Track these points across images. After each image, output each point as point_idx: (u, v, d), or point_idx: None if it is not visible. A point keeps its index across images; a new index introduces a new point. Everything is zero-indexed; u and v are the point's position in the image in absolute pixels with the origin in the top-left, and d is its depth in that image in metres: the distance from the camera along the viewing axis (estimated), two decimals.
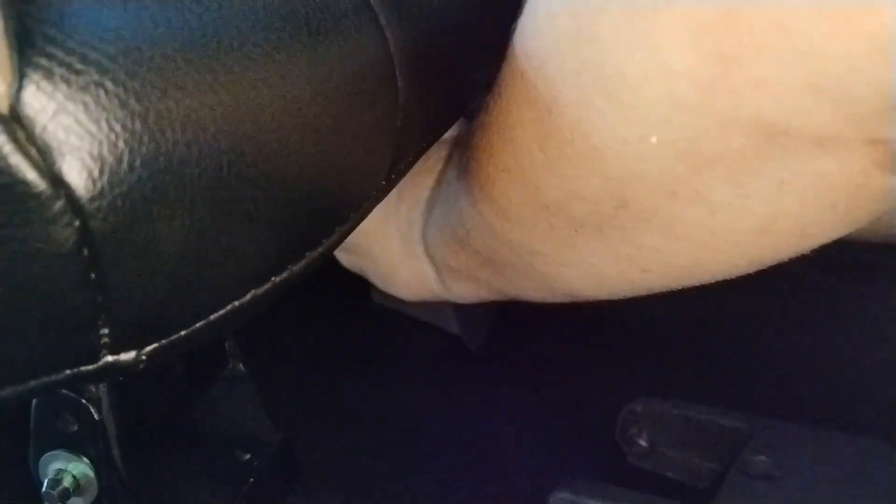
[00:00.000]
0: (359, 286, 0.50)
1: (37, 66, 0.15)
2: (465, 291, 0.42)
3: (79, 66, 0.15)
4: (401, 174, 0.28)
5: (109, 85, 0.16)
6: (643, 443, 0.39)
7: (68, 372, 0.18)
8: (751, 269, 0.30)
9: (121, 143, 0.16)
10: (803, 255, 0.29)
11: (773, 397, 0.42)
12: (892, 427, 0.40)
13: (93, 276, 0.16)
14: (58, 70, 0.15)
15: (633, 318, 0.49)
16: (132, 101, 0.16)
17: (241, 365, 0.34)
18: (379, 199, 0.26)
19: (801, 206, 0.25)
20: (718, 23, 0.21)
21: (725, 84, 0.22)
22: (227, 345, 0.34)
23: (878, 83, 0.20)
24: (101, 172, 0.16)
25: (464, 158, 0.33)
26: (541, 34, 0.26)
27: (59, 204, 0.15)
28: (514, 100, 0.28)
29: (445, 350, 0.49)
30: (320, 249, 0.22)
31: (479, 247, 0.36)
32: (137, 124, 0.16)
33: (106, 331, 0.18)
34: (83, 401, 0.27)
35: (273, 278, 0.21)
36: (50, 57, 0.15)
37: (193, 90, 0.17)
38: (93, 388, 0.27)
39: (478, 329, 0.50)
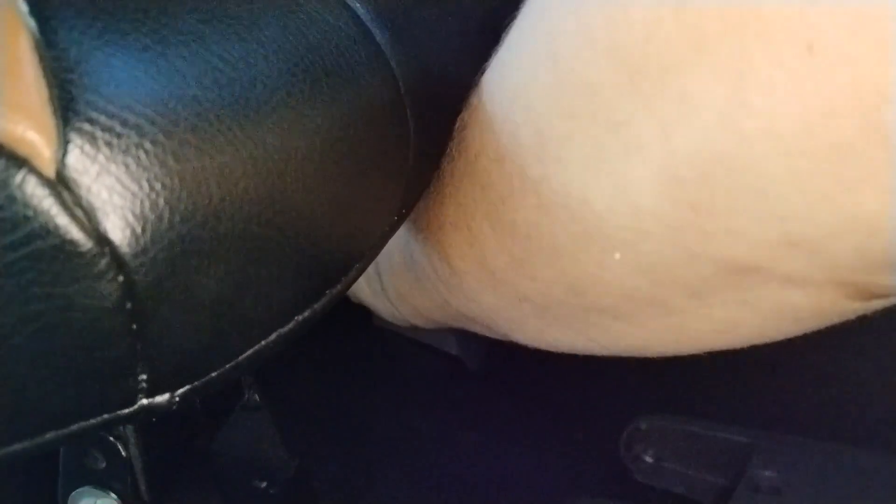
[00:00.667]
0: (361, 311, 0.51)
1: (80, 132, 0.16)
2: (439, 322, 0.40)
3: (120, 130, 0.16)
4: (411, 209, 0.29)
5: (149, 146, 0.16)
6: (649, 459, 0.40)
7: (106, 416, 0.19)
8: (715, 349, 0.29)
9: (161, 201, 0.17)
10: None
11: (777, 410, 0.43)
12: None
13: (134, 326, 0.17)
14: (100, 134, 0.16)
15: None
16: (171, 161, 0.17)
17: (256, 395, 0.35)
18: (391, 234, 0.27)
19: (762, 318, 0.25)
20: (693, 178, 0.20)
21: (696, 227, 0.21)
22: (242, 377, 0.34)
23: (861, 249, 0.20)
24: (144, 230, 0.16)
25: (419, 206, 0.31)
26: (502, 122, 0.25)
27: (104, 261, 0.16)
28: (468, 174, 0.27)
29: (447, 370, 0.50)
30: (339, 287, 0.23)
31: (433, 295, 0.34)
32: (176, 182, 0.17)
33: (144, 377, 0.19)
34: (111, 439, 0.28)
35: (297, 317, 0.22)
36: (92, 122, 0.16)
37: (226, 146, 0.18)
38: (121, 427, 0.28)
39: (477, 349, 0.51)
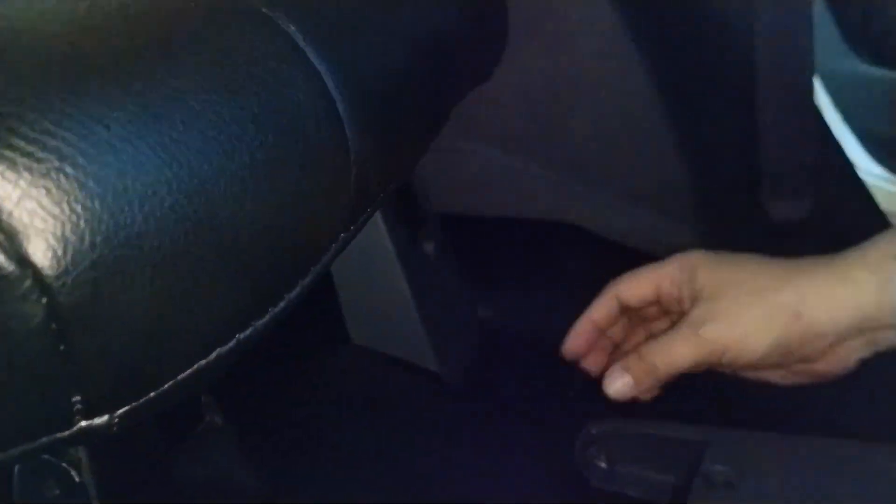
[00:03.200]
0: (336, 326, 0.50)
1: (1, 158, 0.16)
2: None
3: (40, 155, 0.16)
4: (364, 222, 0.28)
5: (69, 169, 0.16)
6: (602, 464, 0.40)
7: (44, 439, 0.19)
8: None
9: (82, 223, 0.16)
10: None
11: (734, 408, 0.43)
12: (851, 426, 0.41)
13: (62, 347, 0.17)
14: (20, 160, 0.16)
15: None
16: (91, 183, 0.17)
17: (217, 417, 0.34)
18: (343, 248, 0.27)
19: None
20: None
21: None
22: (202, 399, 0.34)
23: None
24: (65, 252, 0.16)
25: None
26: None
27: (26, 283, 0.16)
28: None
29: (424, 386, 0.50)
30: (282, 304, 0.23)
31: None
32: (97, 204, 0.17)
33: (78, 398, 0.18)
34: (63, 465, 0.27)
35: (237, 336, 0.22)
36: (13, 148, 0.16)
37: (150, 168, 0.17)
38: (73, 451, 0.27)
39: (456, 365, 0.51)
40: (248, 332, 0.22)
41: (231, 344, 0.22)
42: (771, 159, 0.56)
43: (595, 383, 0.48)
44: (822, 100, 0.63)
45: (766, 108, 0.55)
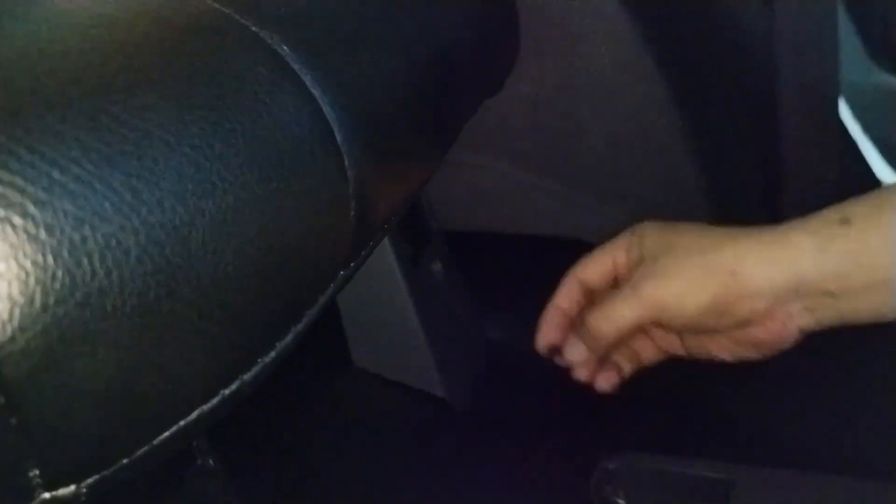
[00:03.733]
0: (339, 349, 0.48)
1: None
2: None
3: None
4: (367, 256, 0.26)
5: (17, 219, 0.14)
6: (620, 501, 0.37)
7: None
8: None
9: (32, 281, 0.14)
10: None
11: (753, 444, 0.41)
12: (872, 465, 0.38)
13: (13, 421, 0.15)
14: None
15: None
16: (43, 234, 0.14)
17: (210, 460, 0.32)
18: (343, 285, 0.25)
19: None
20: None
21: None
22: (194, 442, 0.32)
23: None
24: (12, 315, 0.14)
25: None
26: None
27: None
28: None
29: (430, 412, 0.47)
30: (274, 354, 0.21)
31: None
32: (50, 258, 0.14)
33: (36, 472, 0.16)
34: None
35: (222, 392, 0.19)
36: None
37: (113, 214, 0.15)
38: None
39: (462, 389, 0.48)
40: (234, 386, 0.20)
41: (215, 401, 0.19)
42: (792, 173, 0.54)
43: (608, 409, 0.45)
44: (845, 112, 0.60)
45: (788, 120, 0.53)
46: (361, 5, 0.25)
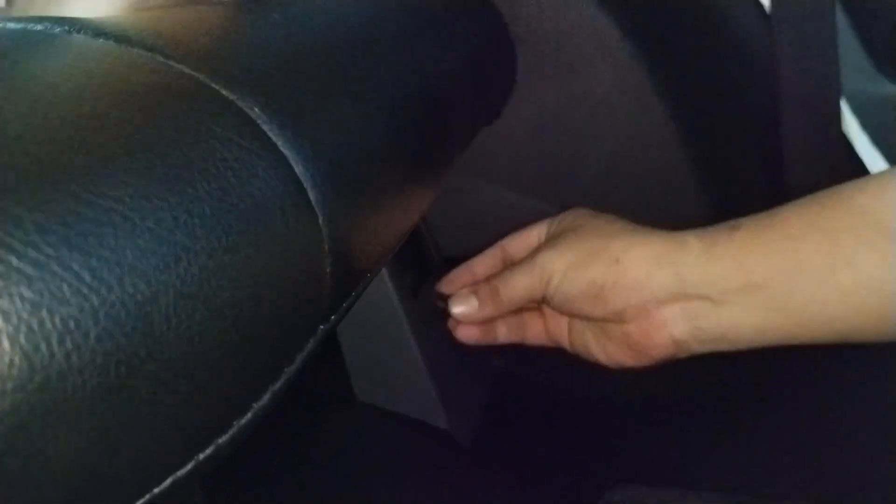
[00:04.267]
0: (341, 383, 0.48)
1: None
2: None
3: None
4: (350, 305, 0.26)
5: None
6: None
7: None
8: None
9: None
10: None
11: (760, 477, 0.40)
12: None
13: None
14: None
15: (619, 400, 0.47)
16: None
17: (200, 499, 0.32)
18: (327, 335, 0.24)
19: None
20: None
21: None
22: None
23: None
24: None
25: None
26: None
27: None
28: None
29: (434, 446, 0.47)
30: (250, 415, 0.20)
31: None
32: (6, 344, 0.14)
33: None
34: None
35: (197, 456, 0.19)
36: None
37: (72, 296, 0.15)
38: None
39: (468, 422, 0.48)
40: (209, 450, 0.20)
41: (189, 466, 0.19)
42: (797, 188, 0.53)
43: (615, 442, 0.45)
44: (852, 124, 0.59)
45: (791, 135, 0.52)
46: (338, 57, 0.25)
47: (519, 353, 0.53)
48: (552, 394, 0.48)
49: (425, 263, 0.50)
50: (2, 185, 0.15)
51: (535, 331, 0.44)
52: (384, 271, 0.45)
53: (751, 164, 0.54)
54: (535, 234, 0.45)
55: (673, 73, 0.53)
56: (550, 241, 0.41)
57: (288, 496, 0.41)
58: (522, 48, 0.49)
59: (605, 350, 0.40)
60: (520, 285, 0.40)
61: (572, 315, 0.41)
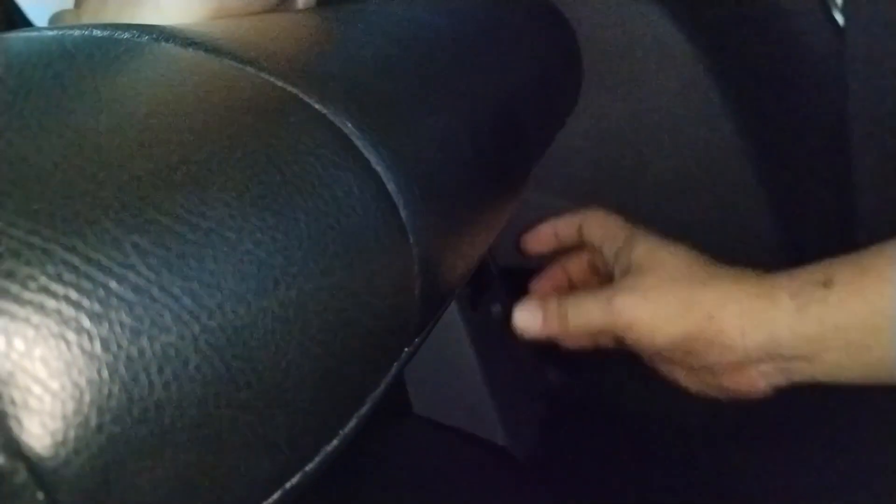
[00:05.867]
0: (399, 395, 0.47)
1: None
2: None
3: (35, 320, 0.13)
4: (431, 328, 0.25)
5: (71, 335, 0.13)
6: None
7: None
8: None
9: (86, 399, 0.13)
10: None
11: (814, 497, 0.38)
12: None
13: None
14: (12, 326, 0.13)
15: (677, 418, 0.45)
16: (98, 349, 0.13)
17: None
18: (409, 359, 0.23)
19: None
20: None
21: None
22: None
23: None
24: (66, 438, 0.13)
25: None
26: None
27: (19, 478, 0.13)
28: None
29: (491, 462, 0.45)
30: (336, 443, 0.20)
31: None
32: (105, 375, 0.13)
33: None
34: None
35: (284, 485, 0.18)
36: (2, 312, 0.13)
37: (172, 323, 0.14)
38: None
39: (525, 438, 0.46)
40: (296, 479, 0.19)
41: (276, 495, 0.18)
42: (869, 213, 0.51)
43: (675, 462, 0.43)
44: None
45: (862, 155, 0.50)
46: (424, 69, 0.24)
47: (575, 367, 0.52)
48: (609, 410, 0.47)
49: (483, 275, 0.49)
50: (98, 204, 0.14)
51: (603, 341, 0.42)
52: None
53: (820, 184, 0.51)
54: (614, 222, 0.44)
55: (740, 88, 0.51)
56: (626, 280, 0.39)
57: None
58: (587, 58, 0.48)
59: (693, 384, 0.39)
60: (594, 321, 0.38)
61: (657, 357, 0.39)
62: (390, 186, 0.20)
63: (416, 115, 0.22)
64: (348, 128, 0.19)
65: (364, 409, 0.20)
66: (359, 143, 0.19)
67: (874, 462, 0.40)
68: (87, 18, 0.33)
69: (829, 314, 0.33)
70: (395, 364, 0.21)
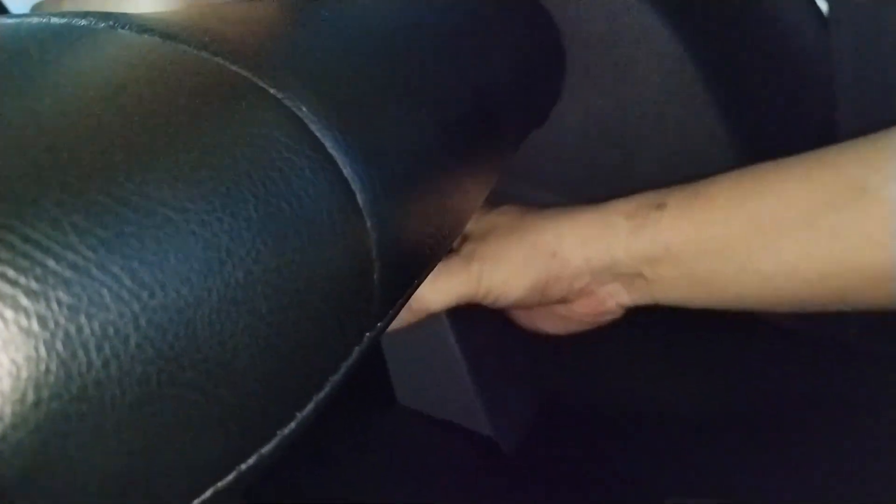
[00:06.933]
0: (382, 387, 0.47)
1: None
2: None
3: None
4: (395, 313, 0.25)
5: (8, 312, 0.13)
6: None
7: None
8: None
9: (23, 375, 0.13)
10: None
11: (813, 493, 0.38)
12: None
13: None
14: None
15: (668, 414, 0.45)
16: (35, 326, 0.13)
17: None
18: (372, 343, 0.23)
19: None
20: None
21: None
22: None
23: None
24: (2, 412, 0.13)
25: None
26: None
27: None
28: None
29: (478, 453, 0.45)
30: (293, 425, 0.20)
31: None
32: (42, 351, 0.13)
33: None
34: None
35: (239, 466, 0.18)
36: None
37: (111, 301, 0.14)
38: None
39: (512, 430, 0.46)
40: (252, 461, 0.19)
41: (231, 476, 0.18)
42: None
43: (666, 456, 0.43)
44: None
45: None
46: (390, 57, 0.24)
47: (563, 359, 0.52)
48: (601, 406, 0.47)
49: None
50: (39, 185, 0.14)
51: None
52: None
53: None
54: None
55: (726, 79, 0.51)
56: (474, 249, 0.40)
57: (326, 500, 0.40)
58: (571, 51, 0.48)
59: (552, 324, 0.42)
60: (455, 295, 0.39)
61: (519, 308, 0.41)
62: (346, 171, 0.20)
63: (377, 102, 0.22)
64: (303, 112, 0.19)
65: (323, 394, 0.20)
66: (313, 126, 0.19)
67: (866, 456, 0.40)
68: (67, 6, 0.33)
69: (660, 234, 0.35)
70: (357, 348, 0.22)
